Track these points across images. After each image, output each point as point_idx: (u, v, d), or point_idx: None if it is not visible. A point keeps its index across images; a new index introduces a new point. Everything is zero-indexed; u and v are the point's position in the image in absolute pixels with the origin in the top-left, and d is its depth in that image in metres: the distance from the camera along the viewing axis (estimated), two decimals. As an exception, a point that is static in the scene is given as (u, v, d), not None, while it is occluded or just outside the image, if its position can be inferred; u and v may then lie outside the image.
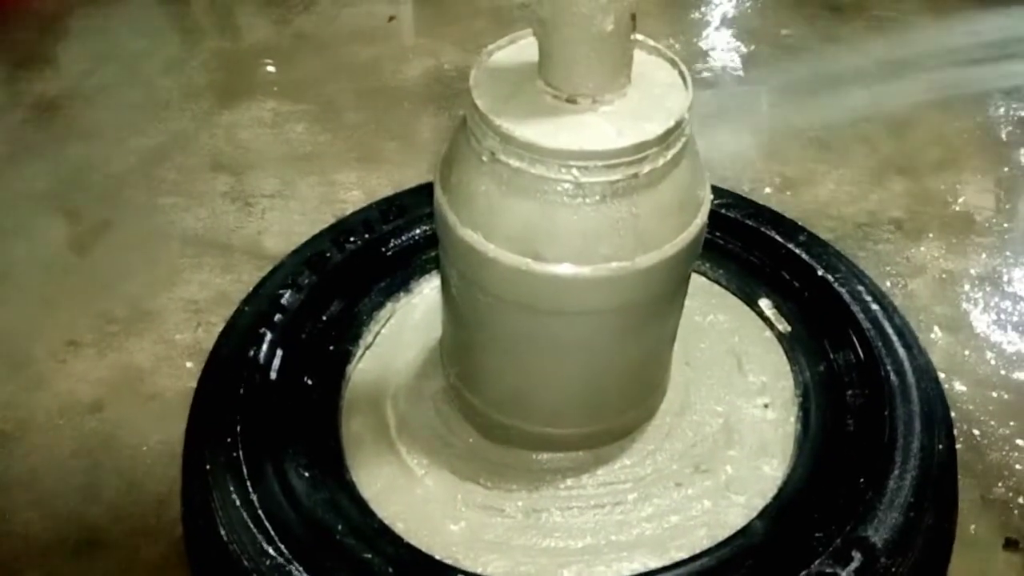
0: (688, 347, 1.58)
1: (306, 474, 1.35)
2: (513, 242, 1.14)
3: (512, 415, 1.41)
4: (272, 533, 1.25)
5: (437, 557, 1.29)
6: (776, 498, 1.36)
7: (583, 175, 1.09)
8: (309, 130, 2.50)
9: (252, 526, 1.25)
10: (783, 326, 1.63)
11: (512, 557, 1.31)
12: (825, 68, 2.80)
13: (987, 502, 1.60)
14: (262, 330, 1.52)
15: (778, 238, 1.72)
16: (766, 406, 1.52)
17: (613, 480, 1.41)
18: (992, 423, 1.74)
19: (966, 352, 1.88)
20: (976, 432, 1.72)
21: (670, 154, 1.12)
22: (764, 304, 1.67)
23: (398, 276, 1.72)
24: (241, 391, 1.43)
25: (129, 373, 1.83)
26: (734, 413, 1.51)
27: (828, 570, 1.20)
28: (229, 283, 2.01)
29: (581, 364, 1.31)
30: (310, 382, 1.51)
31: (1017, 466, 1.66)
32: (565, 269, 1.14)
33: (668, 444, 1.46)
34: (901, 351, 1.49)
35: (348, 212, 1.93)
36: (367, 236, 1.73)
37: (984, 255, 2.12)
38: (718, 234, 1.71)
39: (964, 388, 1.80)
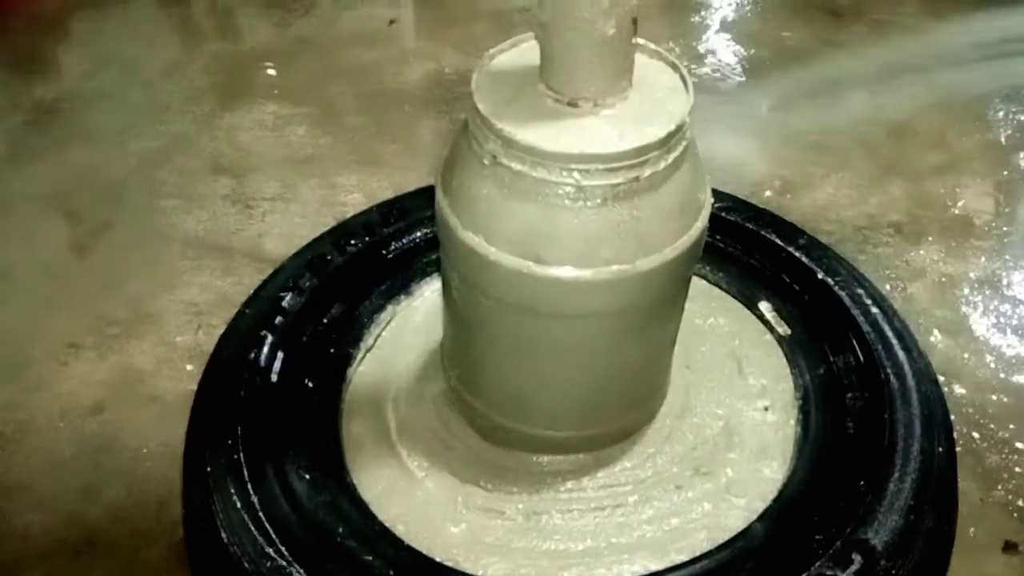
0: (688, 350, 1.58)
1: (307, 476, 1.35)
2: (514, 245, 1.15)
3: (513, 418, 1.41)
4: (273, 535, 1.25)
5: (438, 559, 1.29)
6: (776, 501, 1.36)
7: (584, 178, 1.09)
8: (310, 133, 2.50)
9: (253, 528, 1.26)
10: (783, 329, 1.63)
11: (512, 559, 1.31)
12: (825, 71, 2.80)
13: (986, 505, 1.61)
14: (263, 332, 1.53)
15: (778, 241, 1.72)
16: (766, 409, 1.53)
17: (613, 483, 1.41)
18: (991, 426, 1.74)
19: (965, 355, 1.89)
20: (975, 435, 1.72)
21: (671, 157, 1.13)
22: (764, 307, 1.67)
23: (399, 279, 1.72)
24: (242, 393, 1.44)
25: (130, 375, 1.82)
26: (734, 416, 1.51)
27: (828, 572, 1.20)
28: (230, 285, 2.01)
29: (582, 367, 1.32)
30: (311, 384, 1.51)
31: (1016, 469, 1.66)
32: (566, 272, 1.14)
33: (668, 447, 1.47)
34: (901, 354, 1.50)
35: (349, 215, 1.93)
36: (368, 239, 1.73)
37: (983, 258, 2.13)
38: (718, 237, 1.71)
39: (964, 391, 1.80)
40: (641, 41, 1.19)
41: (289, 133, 2.50)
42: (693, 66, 2.77)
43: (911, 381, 1.45)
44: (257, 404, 1.43)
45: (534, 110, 1.14)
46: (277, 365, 1.49)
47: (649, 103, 1.16)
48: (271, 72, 2.78)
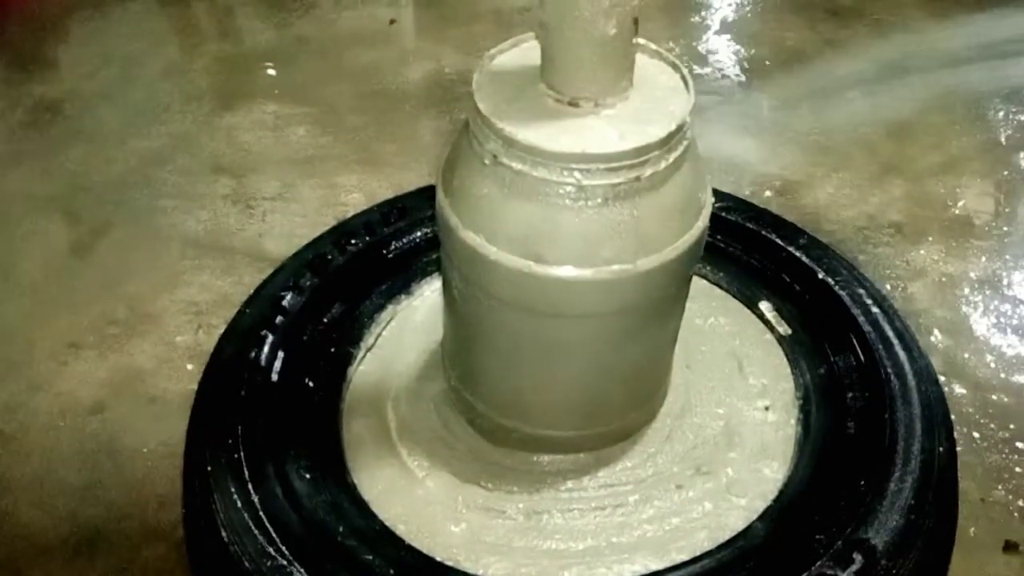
0: (689, 349, 1.59)
1: (307, 476, 1.36)
2: (515, 244, 1.15)
3: (513, 417, 1.41)
4: (273, 535, 1.25)
5: (438, 559, 1.29)
6: (777, 500, 1.36)
7: (585, 178, 1.09)
8: (310, 133, 2.50)
9: (253, 527, 1.26)
10: (784, 329, 1.63)
11: (513, 559, 1.31)
12: (825, 71, 2.81)
13: (987, 505, 1.61)
14: (263, 332, 1.53)
15: (779, 241, 1.72)
16: (767, 408, 1.53)
17: (614, 482, 1.41)
18: (992, 426, 1.74)
19: (966, 355, 1.89)
20: (976, 435, 1.72)
21: (672, 157, 1.13)
22: (765, 307, 1.67)
23: (399, 278, 1.72)
24: (242, 393, 1.44)
25: (130, 375, 1.82)
26: (735, 415, 1.51)
27: (829, 572, 1.20)
28: (230, 285, 2.01)
29: (582, 366, 1.32)
30: (311, 384, 1.51)
31: (1017, 469, 1.66)
32: (567, 272, 1.14)
33: (669, 446, 1.47)
34: (901, 354, 1.50)
35: (349, 215, 1.93)
36: (368, 238, 1.73)
37: (984, 258, 2.13)
38: (719, 237, 1.71)
39: (964, 391, 1.80)
40: (642, 41, 1.19)
41: (289, 133, 2.50)
42: (693, 66, 2.77)
43: (912, 381, 1.45)
44: (257, 403, 1.43)
45: (535, 110, 1.14)
46: (277, 364, 1.49)
47: (650, 103, 1.16)
48: (271, 72, 2.78)
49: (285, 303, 1.58)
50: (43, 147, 2.45)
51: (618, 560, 1.31)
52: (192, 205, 2.25)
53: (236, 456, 1.34)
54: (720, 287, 1.73)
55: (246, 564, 1.22)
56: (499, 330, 1.30)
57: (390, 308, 1.69)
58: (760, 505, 1.36)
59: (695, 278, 1.54)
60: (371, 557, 1.25)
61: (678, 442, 1.47)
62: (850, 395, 1.47)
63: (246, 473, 1.32)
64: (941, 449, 1.38)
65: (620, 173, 1.10)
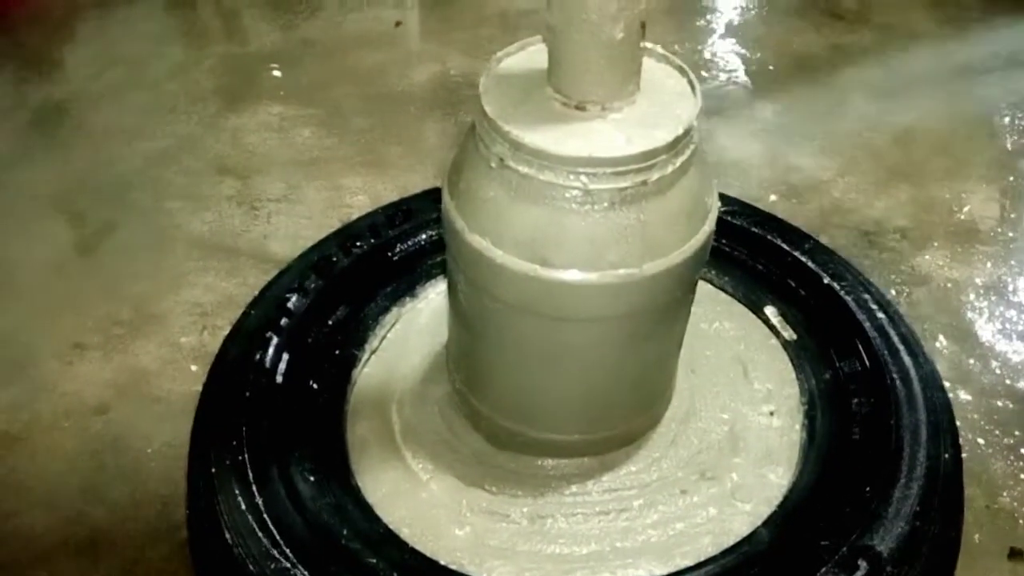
0: (694, 354, 1.58)
1: (311, 478, 1.35)
2: (521, 248, 1.14)
3: (518, 421, 1.41)
4: (277, 537, 1.25)
5: (442, 562, 1.29)
6: (782, 506, 1.36)
7: (592, 182, 1.09)
8: (315, 135, 2.50)
9: (257, 529, 1.25)
10: (789, 334, 1.63)
11: (517, 563, 1.31)
12: (830, 76, 2.81)
13: (992, 511, 1.60)
14: (268, 334, 1.53)
15: (784, 246, 1.72)
16: (772, 414, 1.52)
17: (618, 487, 1.41)
18: (997, 432, 1.73)
19: (971, 361, 1.88)
20: (981, 441, 1.72)
21: (679, 162, 1.13)
22: (770, 312, 1.67)
23: (404, 281, 1.72)
24: (247, 394, 1.44)
25: (135, 376, 1.83)
26: (740, 420, 1.51)
27: (834, 578, 1.20)
28: (235, 287, 2.02)
29: (587, 370, 1.31)
30: (316, 386, 1.51)
31: (1022, 475, 1.66)
32: (573, 275, 1.14)
33: (673, 451, 1.46)
34: (907, 359, 1.49)
35: (354, 217, 1.93)
36: (373, 241, 1.73)
37: (989, 264, 2.12)
38: (724, 241, 1.71)
39: (969, 397, 1.80)
40: (649, 45, 1.19)
41: (295, 135, 2.51)
42: (697, 70, 2.77)
43: (917, 387, 1.45)
44: (262, 405, 1.43)
45: (542, 113, 1.14)
46: (282, 366, 1.49)
47: (657, 107, 1.16)
48: (277, 74, 2.79)
49: (290, 305, 1.58)
50: (49, 147, 2.46)
51: (622, 565, 1.31)
52: (197, 206, 2.25)
53: (240, 458, 1.34)
54: (725, 291, 1.73)
55: (250, 566, 1.22)
56: (504, 333, 1.29)
57: (395, 311, 1.69)
58: (765, 511, 1.36)
59: (700, 282, 1.54)
60: (375, 560, 1.24)
61: (683, 447, 1.47)
62: (855, 401, 1.46)
63: (250, 475, 1.32)
64: (947, 455, 1.37)
65: (627, 177, 1.09)
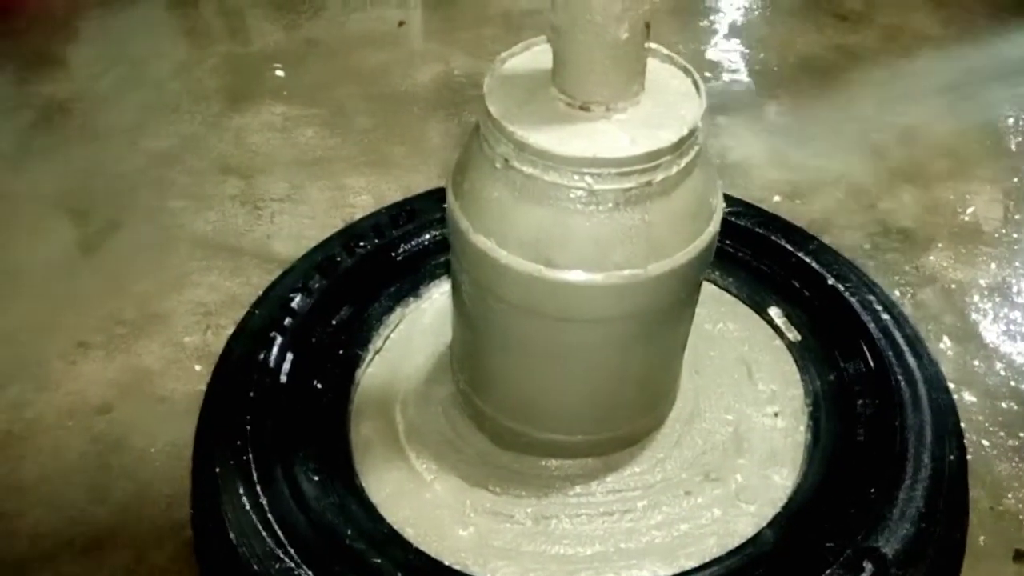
0: (698, 355, 1.58)
1: (315, 478, 1.36)
2: (525, 248, 1.14)
3: (522, 421, 1.41)
4: (281, 536, 1.25)
5: (446, 563, 1.29)
6: (786, 507, 1.36)
7: (596, 182, 1.09)
8: (319, 134, 2.50)
9: (261, 529, 1.26)
10: (793, 335, 1.63)
11: (521, 563, 1.31)
12: (834, 77, 2.80)
13: (996, 514, 1.60)
14: (272, 333, 1.53)
15: (788, 247, 1.72)
16: (776, 415, 1.52)
17: (622, 487, 1.41)
18: (1001, 434, 1.73)
19: (975, 362, 1.88)
20: (985, 443, 1.71)
21: (683, 162, 1.13)
22: (774, 313, 1.67)
23: (408, 281, 1.72)
24: (251, 394, 1.44)
25: (138, 375, 1.83)
26: (744, 421, 1.51)
27: (838, 580, 1.19)
28: (238, 286, 2.01)
29: (592, 371, 1.31)
30: (320, 386, 1.51)
31: (1027, 477, 1.65)
32: (577, 276, 1.14)
33: (678, 452, 1.46)
34: (912, 361, 1.49)
35: (357, 216, 1.93)
36: (377, 241, 1.73)
37: (994, 265, 2.12)
38: (728, 242, 1.71)
39: (973, 399, 1.79)
40: (653, 45, 1.19)
41: (298, 134, 2.50)
42: (701, 70, 2.76)
43: (922, 388, 1.44)
44: (266, 405, 1.43)
45: (546, 114, 1.14)
46: (286, 366, 1.49)
47: (661, 108, 1.16)
48: (280, 73, 2.78)
49: (294, 305, 1.58)
50: (52, 147, 2.46)
51: (626, 566, 1.31)
52: (201, 206, 2.25)
53: (244, 458, 1.34)
54: (729, 292, 1.73)
55: (254, 566, 1.22)
56: (508, 334, 1.29)
57: (399, 311, 1.69)
58: (769, 512, 1.36)
59: (704, 283, 1.54)
60: (379, 560, 1.25)
61: (687, 448, 1.47)
62: (860, 402, 1.46)
63: (254, 475, 1.32)
64: (951, 457, 1.37)
65: (631, 178, 1.09)
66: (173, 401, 1.77)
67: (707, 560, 1.29)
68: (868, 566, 1.20)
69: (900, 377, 1.47)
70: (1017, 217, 2.27)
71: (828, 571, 1.20)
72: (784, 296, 1.68)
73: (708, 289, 1.70)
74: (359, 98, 2.66)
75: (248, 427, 1.38)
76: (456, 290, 1.37)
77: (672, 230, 1.16)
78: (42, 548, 1.54)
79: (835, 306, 1.61)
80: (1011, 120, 2.60)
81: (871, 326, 1.55)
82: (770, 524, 1.33)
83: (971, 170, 2.42)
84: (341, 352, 1.58)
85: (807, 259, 1.69)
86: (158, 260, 2.10)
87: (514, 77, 1.20)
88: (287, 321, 1.55)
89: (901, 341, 1.53)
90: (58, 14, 3.03)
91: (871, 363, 1.50)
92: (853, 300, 1.60)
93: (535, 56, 1.23)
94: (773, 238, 1.74)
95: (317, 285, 1.62)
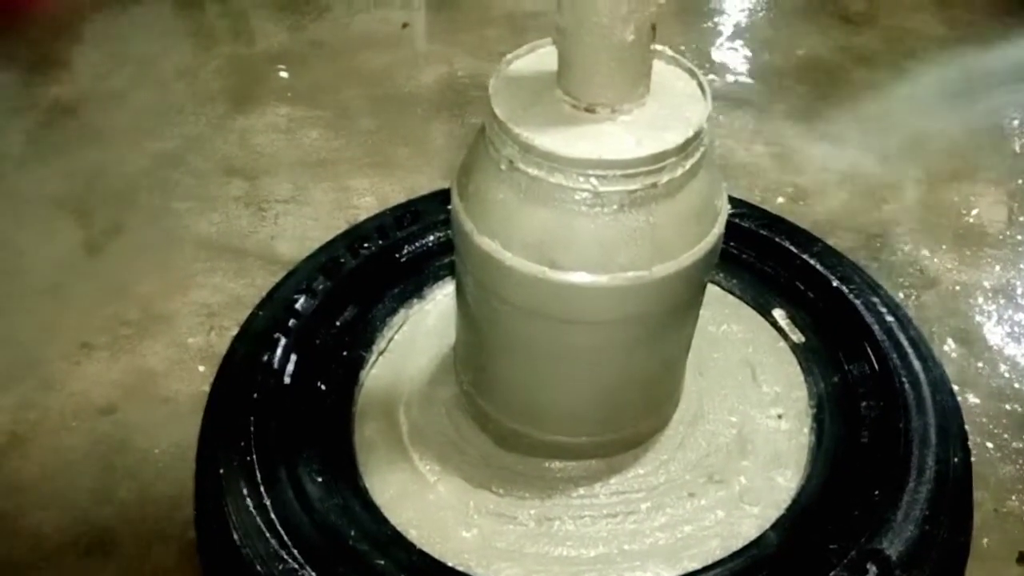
0: (702, 357, 1.58)
1: (319, 479, 1.36)
2: (530, 250, 1.14)
3: (525, 423, 1.41)
4: (285, 538, 1.25)
5: (449, 564, 1.29)
6: (790, 509, 1.36)
7: (601, 184, 1.09)
8: (322, 136, 2.51)
9: (265, 530, 1.26)
10: (797, 336, 1.63)
11: (524, 565, 1.31)
12: (837, 78, 2.80)
13: (1000, 515, 1.60)
14: (276, 335, 1.53)
15: (792, 248, 1.72)
16: (780, 417, 1.52)
17: (626, 489, 1.41)
18: (1005, 436, 1.73)
19: (979, 364, 1.88)
20: (989, 445, 1.71)
21: (688, 164, 1.13)
22: (778, 314, 1.67)
23: (411, 282, 1.72)
24: (255, 395, 1.44)
25: (142, 376, 1.83)
26: (748, 423, 1.51)
27: (843, 582, 1.19)
28: (242, 287, 2.02)
29: (595, 372, 1.31)
30: (323, 387, 1.51)
31: (1031, 480, 1.65)
32: (582, 278, 1.14)
33: (681, 454, 1.46)
34: (916, 363, 1.49)
35: (361, 218, 1.93)
36: (381, 242, 1.73)
37: (998, 267, 2.12)
38: (732, 244, 1.71)
39: (977, 400, 1.79)
40: (659, 47, 1.19)
41: (302, 136, 2.51)
42: (704, 72, 2.76)
43: (926, 390, 1.44)
44: (270, 406, 1.43)
45: (551, 116, 1.14)
46: (290, 368, 1.50)
47: (667, 109, 1.16)
48: (284, 75, 2.79)
49: (298, 306, 1.58)
50: (57, 148, 2.47)
51: (630, 568, 1.31)
52: (205, 207, 2.26)
53: (248, 459, 1.34)
54: (733, 294, 1.73)
55: (258, 567, 1.22)
56: (512, 335, 1.29)
57: (402, 312, 1.69)
58: (773, 514, 1.36)
59: (708, 285, 1.54)
60: (383, 561, 1.25)
61: (691, 450, 1.47)
62: (864, 404, 1.46)
63: (258, 476, 1.32)
64: (956, 459, 1.37)
65: (637, 179, 1.09)
66: (177, 402, 1.77)
67: (711, 562, 1.29)
68: (872, 568, 1.20)
69: (904, 379, 1.47)
70: (1021, 219, 2.27)
71: (832, 573, 1.20)
72: (788, 298, 1.68)
73: (712, 291, 1.69)
74: (363, 99, 2.66)
75: (252, 428, 1.39)
76: (460, 292, 1.37)
77: (677, 232, 1.16)
78: (46, 548, 1.54)
79: (839, 308, 1.61)
80: (1016, 122, 2.59)
81: (875, 328, 1.55)
82: (774, 526, 1.33)
83: (975, 172, 2.41)
84: (345, 353, 1.58)
85: (811, 261, 1.69)
86: (162, 261, 2.10)
87: (519, 79, 1.20)
88: (291, 322, 1.56)
89: (905, 343, 1.53)
90: (64, 16, 3.03)
91: (875, 365, 1.50)
92: (857, 302, 1.60)
93: (540, 58, 1.23)
94: (777, 240, 1.74)
95: (321, 286, 1.63)
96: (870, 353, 1.52)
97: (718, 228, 1.21)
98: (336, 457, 1.41)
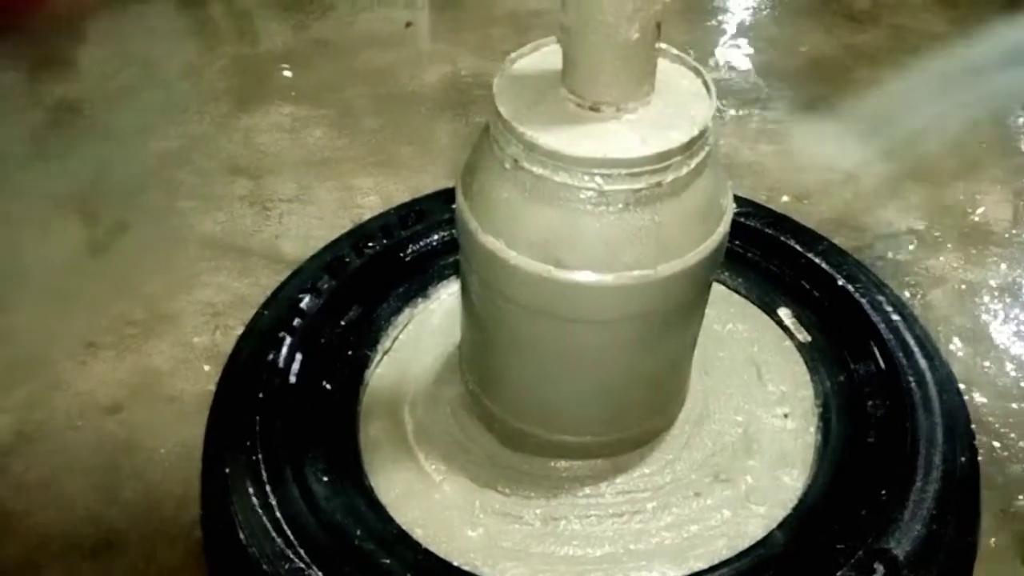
0: (707, 356, 1.58)
1: (325, 478, 1.36)
2: (535, 249, 1.14)
3: (530, 422, 1.41)
4: (291, 537, 1.25)
5: (455, 563, 1.29)
6: (796, 509, 1.35)
7: (606, 183, 1.09)
8: (326, 135, 2.51)
9: (271, 529, 1.26)
10: (803, 336, 1.62)
11: (530, 564, 1.31)
12: (842, 76, 2.79)
13: (1007, 515, 1.59)
14: (281, 334, 1.53)
15: (798, 247, 1.71)
16: (786, 416, 1.52)
17: (632, 488, 1.41)
18: (1012, 435, 1.72)
19: (986, 364, 1.87)
20: (996, 444, 1.70)
21: (693, 163, 1.12)
22: (784, 313, 1.66)
23: (416, 282, 1.72)
24: (260, 395, 1.44)
25: (148, 375, 1.83)
26: (753, 423, 1.50)
27: (850, 582, 1.19)
28: (247, 287, 2.02)
29: (601, 371, 1.31)
30: (328, 386, 1.51)
31: (1038, 479, 1.65)
32: (587, 277, 1.14)
33: (687, 453, 1.46)
34: (922, 362, 1.49)
35: (365, 217, 1.93)
36: (385, 241, 1.73)
37: (1004, 266, 2.11)
38: (738, 243, 1.70)
39: (984, 400, 1.79)
40: (664, 46, 1.19)
41: (306, 135, 2.51)
42: (709, 70, 2.76)
43: (933, 389, 1.44)
44: (275, 405, 1.43)
45: (556, 114, 1.14)
46: (295, 367, 1.50)
47: (672, 108, 1.15)
48: (288, 74, 2.79)
49: (303, 305, 1.58)
50: (62, 147, 2.47)
51: (636, 567, 1.31)
52: (209, 206, 2.26)
53: (254, 458, 1.35)
54: (739, 293, 1.73)
55: (264, 566, 1.23)
56: (517, 334, 1.29)
57: (407, 311, 1.69)
58: (779, 513, 1.36)
59: (714, 284, 1.53)
60: (388, 561, 1.25)
61: (696, 449, 1.47)
62: (870, 403, 1.46)
63: (264, 475, 1.33)
64: (963, 458, 1.37)
65: (642, 178, 1.09)
66: (183, 401, 1.77)
67: (717, 562, 1.29)
68: (879, 568, 1.20)
69: (911, 378, 1.46)
70: (1027, 217, 2.27)
71: (839, 573, 1.20)
72: (794, 297, 1.68)
73: (718, 290, 1.69)
74: (367, 99, 2.66)
75: (257, 427, 1.39)
76: (465, 291, 1.37)
77: (682, 231, 1.16)
78: (52, 548, 1.54)
79: (845, 307, 1.61)
80: (1021, 120, 2.59)
81: (881, 327, 1.55)
82: (780, 526, 1.33)
83: (980, 170, 2.41)
84: (350, 353, 1.58)
85: (817, 260, 1.69)
86: (167, 260, 2.10)
87: (524, 78, 1.20)
88: (296, 322, 1.56)
89: (912, 342, 1.53)
90: (68, 15, 3.04)
91: (881, 364, 1.50)
92: (863, 301, 1.60)
93: (544, 57, 1.23)
94: (783, 239, 1.73)
95: (326, 286, 1.63)
96: (876, 352, 1.52)
97: (723, 227, 1.21)
98: (341, 456, 1.41)
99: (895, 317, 1.57)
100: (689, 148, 1.11)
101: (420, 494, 1.40)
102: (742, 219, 1.73)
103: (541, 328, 1.25)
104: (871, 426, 1.42)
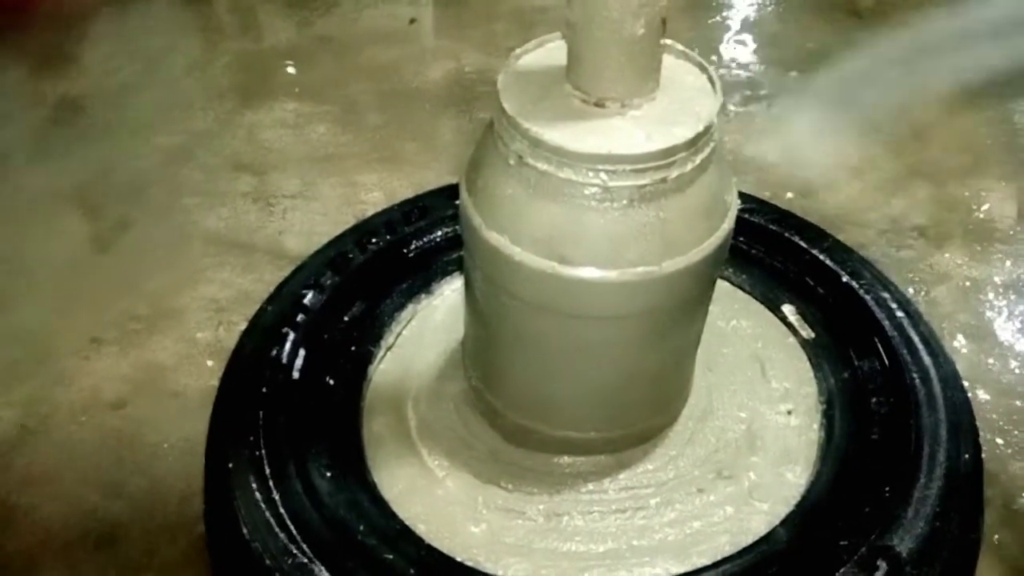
0: (711, 352, 1.57)
1: (328, 474, 1.36)
2: (539, 245, 1.14)
3: (534, 418, 1.41)
4: (294, 532, 1.25)
5: (458, 559, 1.29)
6: (800, 505, 1.35)
7: (611, 179, 1.09)
8: (330, 131, 2.50)
9: (274, 525, 1.26)
10: (807, 332, 1.62)
11: (533, 560, 1.31)
12: (847, 73, 2.78)
13: (1011, 512, 1.59)
14: (285, 330, 1.53)
15: (802, 243, 1.71)
16: (789, 412, 1.52)
17: (635, 485, 1.41)
18: (1016, 432, 1.72)
19: (990, 360, 1.87)
20: (1000, 441, 1.70)
21: (698, 159, 1.12)
22: (788, 310, 1.66)
23: (420, 278, 1.72)
24: (263, 390, 1.44)
25: (151, 371, 1.83)
26: (757, 419, 1.50)
27: (853, 579, 1.19)
28: (250, 282, 2.02)
29: (604, 368, 1.31)
30: (332, 382, 1.51)
31: (1042, 477, 1.64)
32: (591, 273, 1.14)
33: (690, 449, 1.46)
34: (927, 359, 1.49)
35: (368, 213, 1.93)
36: (389, 237, 1.73)
37: (1008, 263, 2.10)
38: (741, 239, 1.70)
39: (988, 397, 1.78)
40: (669, 42, 1.19)
41: (310, 131, 2.51)
42: (716, 67, 2.75)
43: (937, 386, 1.44)
44: (279, 401, 1.43)
45: (561, 110, 1.13)
46: (299, 362, 1.50)
47: (677, 104, 1.15)
48: (292, 70, 2.79)
49: (306, 301, 1.59)
50: (66, 143, 2.47)
51: (639, 563, 1.31)
52: (213, 202, 2.26)
53: (257, 453, 1.35)
54: (743, 290, 1.72)
55: (267, 561, 1.23)
56: (521, 331, 1.29)
57: (411, 307, 1.69)
58: (783, 510, 1.35)
59: (718, 280, 1.53)
60: (391, 556, 1.25)
61: (700, 445, 1.46)
62: (874, 400, 1.45)
63: (267, 470, 1.33)
64: (966, 456, 1.36)
65: (646, 174, 1.09)
66: (186, 397, 1.77)
67: (720, 558, 1.29)
68: (882, 565, 1.20)
69: (915, 375, 1.46)
70: (1032, 215, 2.26)
71: (842, 570, 1.20)
72: (798, 293, 1.67)
73: (722, 286, 1.69)
74: (371, 95, 2.66)
75: (261, 423, 1.39)
76: (469, 287, 1.37)
77: (687, 227, 1.15)
78: (55, 543, 1.55)
79: (849, 303, 1.61)
80: (1027, 117, 2.58)
81: (886, 324, 1.55)
82: (783, 522, 1.32)
83: (985, 167, 2.40)
84: (353, 348, 1.58)
85: (821, 256, 1.69)
86: (171, 256, 2.11)
87: (528, 74, 1.20)
88: (299, 317, 1.56)
89: (916, 339, 1.53)
90: (72, 11, 3.04)
91: (886, 361, 1.49)
92: (867, 297, 1.60)
93: (549, 53, 1.23)
94: (787, 235, 1.73)
95: (329, 281, 1.63)
96: (880, 349, 1.51)
97: (728, 223, 1.21)
98: (345, 452, 1.42)
99: (899, 314, 1.57)
100: (694, 144, 1.11)
101: (423, 490, 1.40)
102: (746, 215, 1.72)
103: (545, 324, 1.25)
104: (875, 423, 1.42)
